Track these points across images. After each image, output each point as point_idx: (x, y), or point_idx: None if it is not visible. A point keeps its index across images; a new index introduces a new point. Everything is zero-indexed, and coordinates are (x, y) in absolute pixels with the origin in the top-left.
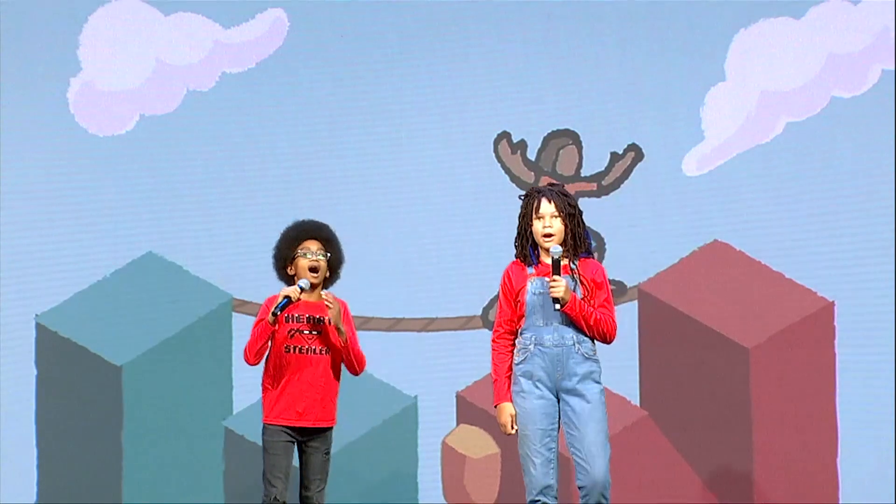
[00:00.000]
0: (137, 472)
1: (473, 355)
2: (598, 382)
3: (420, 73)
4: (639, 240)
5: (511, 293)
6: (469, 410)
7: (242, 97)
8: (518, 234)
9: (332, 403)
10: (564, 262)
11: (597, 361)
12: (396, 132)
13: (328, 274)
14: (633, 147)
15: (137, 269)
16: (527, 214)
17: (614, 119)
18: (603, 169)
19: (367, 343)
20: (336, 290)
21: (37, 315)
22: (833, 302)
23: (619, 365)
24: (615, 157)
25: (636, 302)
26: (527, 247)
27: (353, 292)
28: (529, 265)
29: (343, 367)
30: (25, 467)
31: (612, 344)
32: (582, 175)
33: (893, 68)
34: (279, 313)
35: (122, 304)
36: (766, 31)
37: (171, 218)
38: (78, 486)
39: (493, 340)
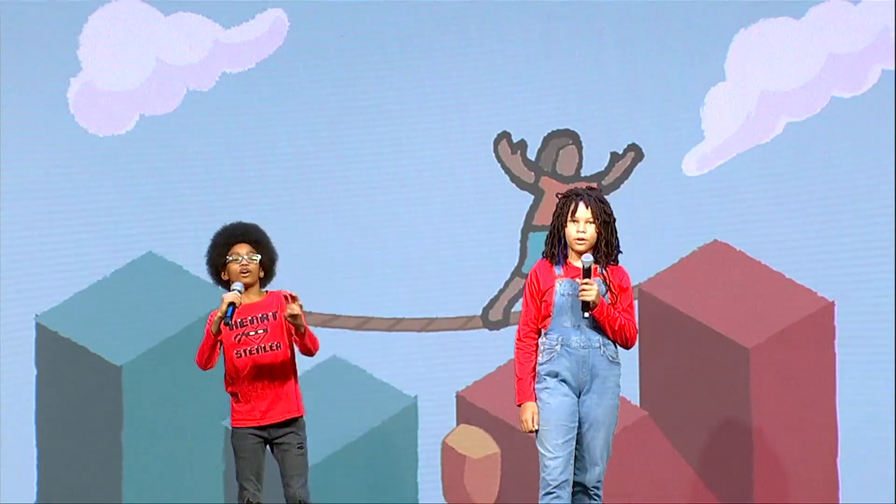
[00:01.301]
0: (137, 472)
1: (473, 355)
2: (618, 387)
3: (420, 73)
4: (639, 240)
5: (538, 293)
6: (469, 410)
7: (242, 97)
8: (550, 233)
9: (294, 395)
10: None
11: (619, 365)
12: (396, 132)
13: (262, 274)
14: (633, 147)
15: (137, 269)
16: (562, 215)
17: (614, 119)
18: (603, 169)
19: (368, 343)
20: (337, 290)
21: (37, 315)
22: (833, 302)
23: (619, 365)
24: (615, 157)
25: (636, 302)
26: (557, 246)
27: (353, 292)
28: (557, 264)
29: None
30: (25, 467)
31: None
32: (582, 175)
33: (893, 68)
34: (230, 321)
35: (122, 304)
36: (766, 31)
37: (171, 218)
38: (78, 486)
39: (519, 339)
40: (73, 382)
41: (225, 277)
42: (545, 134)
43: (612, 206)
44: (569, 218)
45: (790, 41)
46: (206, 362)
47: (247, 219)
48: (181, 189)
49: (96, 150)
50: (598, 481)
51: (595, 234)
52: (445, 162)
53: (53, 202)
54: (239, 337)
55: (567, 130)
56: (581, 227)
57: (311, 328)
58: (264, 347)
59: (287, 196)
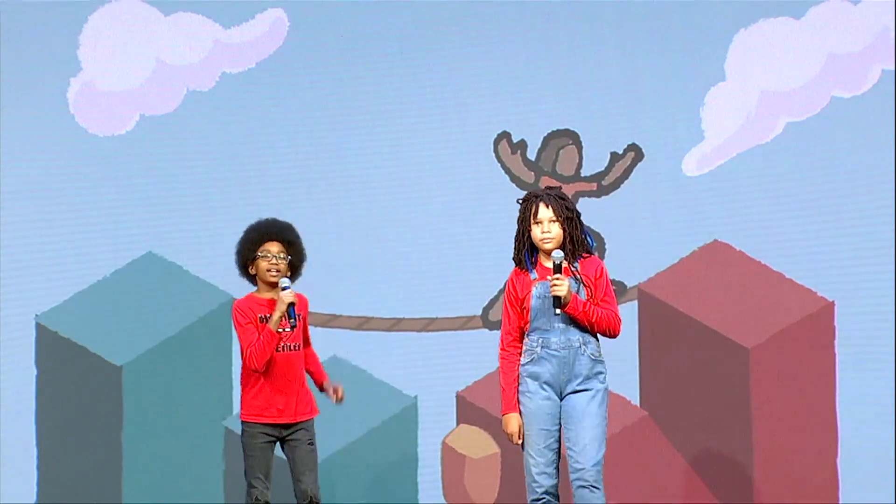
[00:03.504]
0: (137, 472)
1: (473, 355)
2: (603, 382)
3: (420, 73)
4: (639, 240)
5: (517, 301)
6: (469, 410)
7: (242, 97)
8: (516, 238)
9: (308, 395)
10: (565, 264)
11: (602, 362)
12: (396, 132)
13: (289, 273)
14: (633, 147)
15: (137, 269)
16: (525, 219)
17: (614, 119)
18: (603, 169)
19: (367, 343)
20: (337, 290)
21: (37, 315)
22: (833, 302)
23: (619, 365)
24: (615, 157)
25: (636, 302)
26: (523, 251)
27: (353, 292)
28: (530, 269)
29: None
30: (25, 467)
31: (614, 340)
32: (582, 175)
33: (893, 68)
34: (297, 322)
35: (122, 304)
36: (766, 31)
37: (171, 218)
38: (78, 486)
39: (503, 348)
40: (73, 382)
41: (252, 272)
42: (545, 134)
43: (573, 202)
44: (532, 220)
45: (790, 41)
46: (268, 363)
47: (246, 219)
48: (181, 189)
49: (96, 150)
50: (598, 473)
51: (560, 233)
52: (445, 162)
53: (53, 202)
54: None
55: (567, 130)
56: (545, 228)
57: (311, 327)
58: (289, 346)
59: (287, 196)
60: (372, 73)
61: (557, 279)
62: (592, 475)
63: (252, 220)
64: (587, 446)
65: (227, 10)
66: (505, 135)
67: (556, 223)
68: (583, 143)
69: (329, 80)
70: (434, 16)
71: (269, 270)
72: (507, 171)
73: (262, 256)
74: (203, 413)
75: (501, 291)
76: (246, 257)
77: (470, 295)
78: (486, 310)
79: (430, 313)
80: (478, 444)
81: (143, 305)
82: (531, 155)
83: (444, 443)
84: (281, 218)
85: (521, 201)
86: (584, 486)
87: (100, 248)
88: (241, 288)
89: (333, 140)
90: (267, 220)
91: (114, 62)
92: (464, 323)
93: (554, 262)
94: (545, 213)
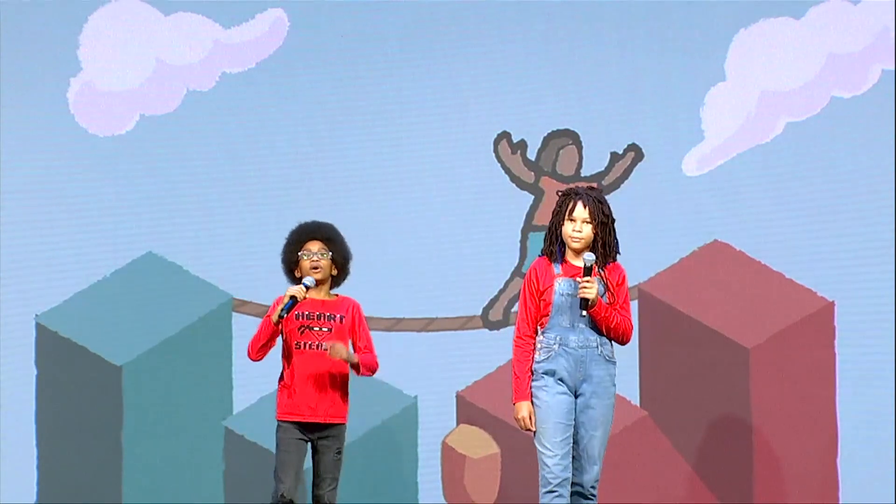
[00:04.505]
0: (137, 472)
1: (473, 355)
2: (614, 385)
3: (420, 73)
4: (639, 240)
5: (537, 291)
6: (469, 410)
7: (242, 97)
8: (548, 230)
9: (343, 400)
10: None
11: (615, 364)
12: (396, 132)
13: (335, 272)
14: (633, 147)
15: (137, 269)
16: (560, 213)
17: (614, 119)
18: (603, 169)
19: None
20: (339, 289)
21: (37, 315)
22: (833, 302)
23: (620, 365)
24: (615, 157)
25: (636, 302)
26: (555, 244)
27: (352, 292)
28: (555, 262)
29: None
30: (25, 467)
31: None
32: (582, 175)
33: (893, 68)
34: (285, 315)
35: (122, 304)
36: (766, 31)
37: (171, 218)
38: (78, 486)
39: (518, 338)
40: (73, 382)
41: (298, 275)
42: (545, 134)
43: (611, 207)
44: (566, 216)
45: (790, 41)
46: (258, 351)
47: (246, 219)
48: (181, 189)
49: (96, 150)
50: (596, 481)
51: (591, 235)
52: (445, 162)
53: (53, 202)
54: (303, 329)
55: (567, 130)
56: (577, 227)
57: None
58: (325, 346)
59: (287, 196)
60: (372, 73)
61: (587, 281)
62: (593, 484)
63: (252, 220)
64: (596, 457)
65: (227, 10)
66: (505, 135)
67: (590, 225)
68: (583, 143)
69: (329, 80)
70: (434, 16)
71: (312, 268)
72: (507, 171)
73: (304, 256)
74: (203, 413)
75: (501, 291)
76: (290, 260)
77: (470, 295)
78: (486, 310)
79: (430, 313)
80: (478, 444)
81: (143, 305)
82: (531, 155)
83: (444, 443)
84: (280, 218)
85: (559, 194)
86: (583, 495)
87: (100, 248)
88: (242, 288)
89: (333, 140)
90: (306, 222)
91: (114, 62)
92: (464, 323)
93: (585, 265)
94: (581, 212)
